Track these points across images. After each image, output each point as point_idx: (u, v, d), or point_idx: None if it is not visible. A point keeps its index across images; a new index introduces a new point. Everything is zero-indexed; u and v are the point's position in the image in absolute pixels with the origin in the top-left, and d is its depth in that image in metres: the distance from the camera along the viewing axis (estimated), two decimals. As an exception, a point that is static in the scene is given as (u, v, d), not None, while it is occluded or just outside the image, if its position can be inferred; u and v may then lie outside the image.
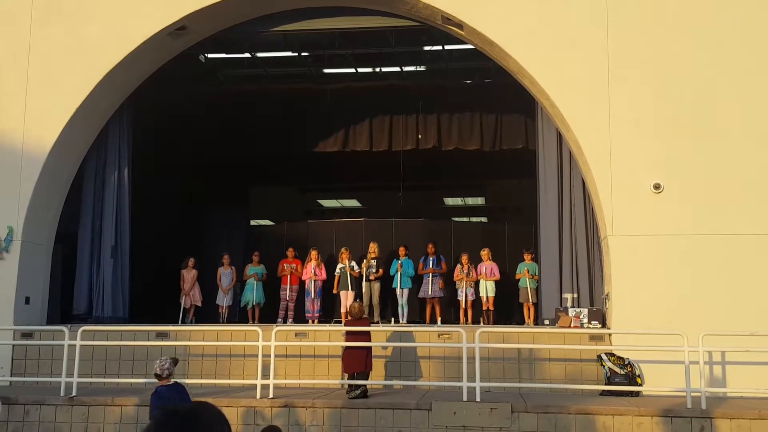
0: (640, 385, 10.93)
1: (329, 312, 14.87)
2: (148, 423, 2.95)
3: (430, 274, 14.54)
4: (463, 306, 14.23)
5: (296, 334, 12.05)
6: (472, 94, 16.10)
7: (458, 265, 14.61)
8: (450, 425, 9.63)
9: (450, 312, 14.92)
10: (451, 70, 15.67)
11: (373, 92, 16.27)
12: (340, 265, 14.52)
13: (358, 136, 16.69)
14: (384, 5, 13.04)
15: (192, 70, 15.69)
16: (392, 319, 14.38)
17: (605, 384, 10.87)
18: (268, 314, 15.03)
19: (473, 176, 20.41)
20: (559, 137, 13.05)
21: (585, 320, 11.99)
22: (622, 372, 10.92)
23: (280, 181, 21.71)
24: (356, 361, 10.60)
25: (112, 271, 14.10)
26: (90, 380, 11.54)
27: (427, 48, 15.14)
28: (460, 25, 12.57)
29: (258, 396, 10.22)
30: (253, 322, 14.44)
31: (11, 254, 12.73)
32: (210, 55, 15.63)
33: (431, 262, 14.70)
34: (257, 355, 10.61)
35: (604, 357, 11.07)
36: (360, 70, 16.09)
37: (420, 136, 16.48)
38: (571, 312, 12.16)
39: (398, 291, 14.43)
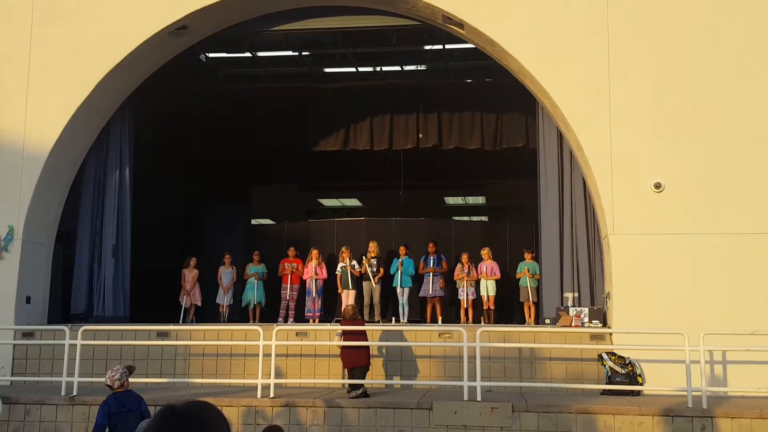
0: (641, 384, 10.93)
1: (330, 311, 14.86)
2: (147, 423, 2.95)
3: (431, 274, 14.53)
4: (464, 305, 14.22)
5: (297, 334, 12.05)
6: (472, 93, 16.10)
7: (459, 265, 14.60)
8: (451, 425, 9.62)
9: (451, 311, 14.91)
10: (452, 69, 15.66)
11: (373, 91, 16.27)
12: (341, 264, 14.52)
13: (358, 135, 16.69)
14: (384, 4, 13.03)
15: (192, 70, 15.69)
16: (393, 318, 14.37)
17: (606, 383, 10.86)
18: (269, 313, 15.03)
19: (474, 175, 20.41)
20: (560, 136, 13.04)
21: (586, 319, 11.98)
22: (623, 371, 10.91)
23: (280, 180, 21.72)
24: (356, 358, 10.64)
25: (113, 270, 14.10)
26: (91, 380, 11.52)
27: (427, 47, 15.13)
28: (460, 24, 12.56)
29: (259, 395, 10.22)
30: (254, 322, 14.43)
31: (12, 254, 12.74)
32: (210, 55, 15.63)
33: (432, 261, 14.69)
34: (258, 355, 10.61)
35: (605, 356, 11.06)
36: (361, 69, 16.08)
37: (420, 135, 16.48)
38: (572, 311, 12.15)
39: (399, 290, 14.42)
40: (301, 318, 14.54)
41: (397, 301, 14.47)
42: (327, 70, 16.30)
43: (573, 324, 11.90)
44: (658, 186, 11.55)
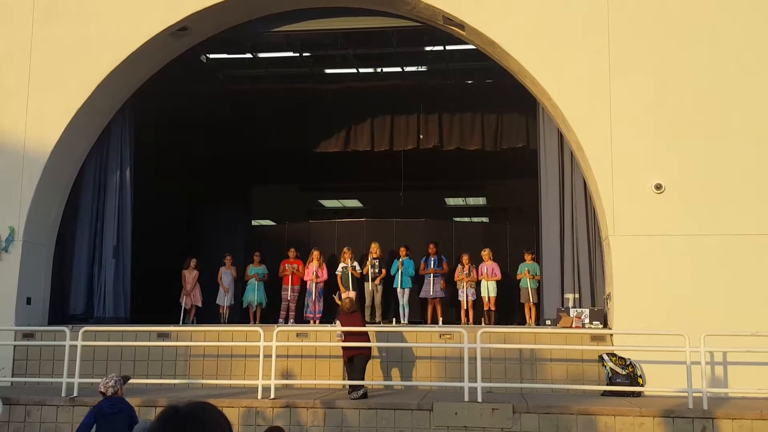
0: (642, 385, 10.92)
1: (331, 312, 14.86)
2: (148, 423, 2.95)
3: (432, 275, 14.54)
4: (465, 306, 14.23)
5: (297, 335, 12.05)
6: (473, 94, 16.11)
7: (459, 266, 14.61)
8: (451, 426, 9.62)
9: (451, 312, 14.91)
10: (453, 70, 15.66)
11: (374, 92, 16.28)
12: (342, 265, 14.53)
13: (359, 136, 16.70)
14: (385, 5, 13.04)
15: (193, 71, 15.70)
16: (393, 319, 14.38)
17: (607, 384, 10.86)
18: (270, 314, 15.03)
19: (474, 176, 20.41)
20: (561, 137, 13.04)
21: (586, 320, 11.98)
22: (624, 372, 10.91)
23: (281, 181, 21.72)
24: (356, 347, 10.70)
25: (114, 271, 14.10)
26: (91, 381, 11.51)
27: (428, 48, 15.14)
28: (461, 25, 12.57)
29: (259, 396, 10.22)
30: (255, 323, 14.44)
31: (12, 254, 12.73)
32: (211, 56, 15.63)
33: (432, 262, 14.70)
34: (258, 356, 10.61)
35: (605, 357, 11.06)
36: (361, 70, 16.09)
37: (421, 136, 16.48)
38: (573, 312, 12.15)
39: (399, 291, 14.43)
40: (301, 319, 14.54)
41: (397, 302, 14.48)
42: (328, 71, 16.31)
43: (573, 325, 11.90)
44: (658, 187, 11.55)
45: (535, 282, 13.87)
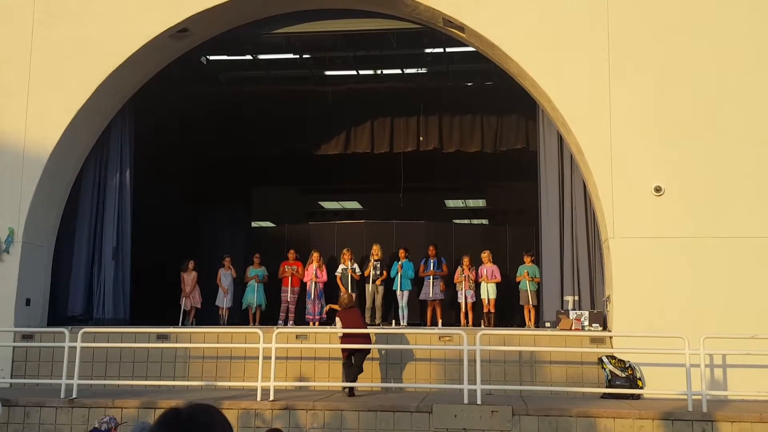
0: (641, 388, 10.91)
1: (330, 314, 14.85)
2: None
3: (431, 277, 14.54)
4: (464, 308, 14.22)
5: (297, 336, 12.04)
6: (473, 96, 16.12)
7: (459, 268, 14.61)
8: (451, 428, 9.61)
9: (451, 314, 14.90)
10: (452, 72, 15.68)
11: (374, 94, 16.29)
12: (342, 266, 14.52)
13: (359, 138, 16.71)
14: (385, 8, 13.05)
15: (193, 72, 15.71)
16: (393, 321, 14.37)
17: (606, 387, 10.86)
18: (269, 316, 15.02)
19: (474, 178, 20.42)
20: (560, 139, 13.05)
21: (586, 323, 11.98)
22: (623, 375, 10.91)
23: (281, 183, 21.73)
24: (356, 340, 10.75)
25: (113, 272, 14.09)
26: (90, 382, 11.54)
27: (428, 50, 15.15)
28: (461, 27, 12.58)
29: (258, 398, 10.21)
30: (254, 324, 14.43)
31: (12, 256, 12.72)
32: (211, 57, 15.65)
33: (432, 264, 14.70)
34: (258, 357, 10.60)
35: (605, 360, 11.06)
36: (361, 72, 16.11)
37: (421, 138, 16.50)
38: (572, 314, 12.15)
39: (398, 293, 14.43)
40: (301, 321, 14.54)
41: (397, 305, 14.48)
42: (328, 72, 16.32)
43: (573, 327, 11.90)
44: (658, 189, 11.55)
45: (535, 284, 13.87)
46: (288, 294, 14.74)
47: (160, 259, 16.94)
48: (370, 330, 11.53)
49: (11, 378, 12.22)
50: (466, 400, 9.85)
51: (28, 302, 12.87)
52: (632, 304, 11.35)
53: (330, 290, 14.70)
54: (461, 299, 14.30)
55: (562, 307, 12.66)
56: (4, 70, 13.22)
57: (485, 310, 14.27)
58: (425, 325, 14.35)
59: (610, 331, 11.60)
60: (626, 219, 11.57)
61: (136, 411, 10.18)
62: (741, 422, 9.23)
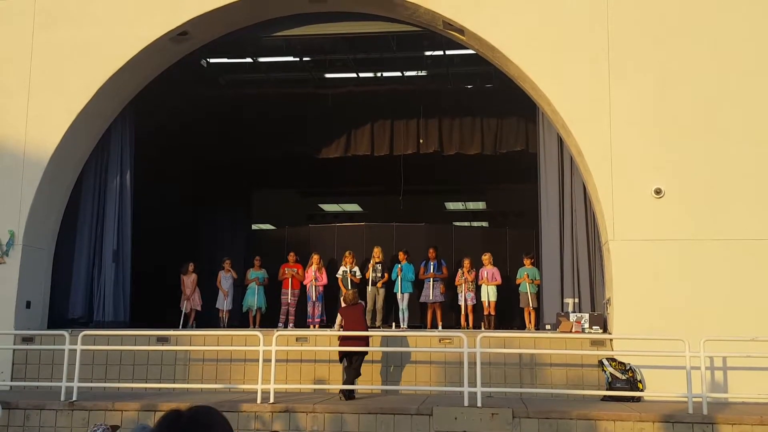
0: (642, 390, 10.91)
1: (330, 316, 14.85)
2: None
3: (431, 279, 14.54)
4: (464, 311, 14.22)
5: (297, 339, 12.03)
6: (473, 99, 16.14)
7: (459, 270, 14.61)
8: (451, 430, 9.60)
9: (451, 317, 14.90)
10: (453, 74, 15.69)
11: (374, 97, 16.31)
12: (342, 269, 14.52)
13: (359, 140, 16.72)
14: (385, 10, 13.07)
15: (193, 75, 15.72)
16: (393, 324, 14.37)
17: (606, 389, 10.85)
18: (269, 319, 15.02)
19: (474, 181, 20.42)
20: (560, 141, 13.05)
21: (586, 325, 11.98)
22: (624, 377, 10.91)
23: (281, 186, 21.73)
24: (355, 343, 10.75)
25: (114, 275, 14.09)
26: (90, 385, 11.52)
27: (428, 53, 15.17)
28: (461, 30, 12.59)
29: (258, 401, 10.20)
30: (254, 327, 14.43)
31: (12, 258, 12.73)
32: (212, 60, 15.66)
33: (432, 266, 14.70)
34: (258, 360, 10.59)
35: (605, 362, 11.05)
36: (361, 74, 16.12)
37: (421, 141, 16.51)
38: (573, 317, 12.15)
39: (399, 296, 14.43)
40: (301, 323, 14.53)
41: (397, 307, 14.47)
42: (328, 75, 16.34)
43: (573, 330, 11.89)
44: (658, 192, 11.55)
45: (535, 286, 13.87)
46: (288, 296, 14.74)
47: (160, 262, 16.94)
48: (370, 333, 11.53)
49: (11, 381, 12.22)
50: (466, 403, 9.84)
51: (28, 305, 12.87)
52: (632, 307, 11.34)
53: (330, 293, 14.70)
54: (461, 302, 14.30)
55: (562, 310, 12.65)
56: (5, 72, 13.23)
57: (485, 313, 14.27)
58: (425, 327, 14.35)
59: (610, 333, 11.59)
60: (626, 221, 11.57)
61: (136, 414, 10.17)
62: (741, 425, 9.22)
